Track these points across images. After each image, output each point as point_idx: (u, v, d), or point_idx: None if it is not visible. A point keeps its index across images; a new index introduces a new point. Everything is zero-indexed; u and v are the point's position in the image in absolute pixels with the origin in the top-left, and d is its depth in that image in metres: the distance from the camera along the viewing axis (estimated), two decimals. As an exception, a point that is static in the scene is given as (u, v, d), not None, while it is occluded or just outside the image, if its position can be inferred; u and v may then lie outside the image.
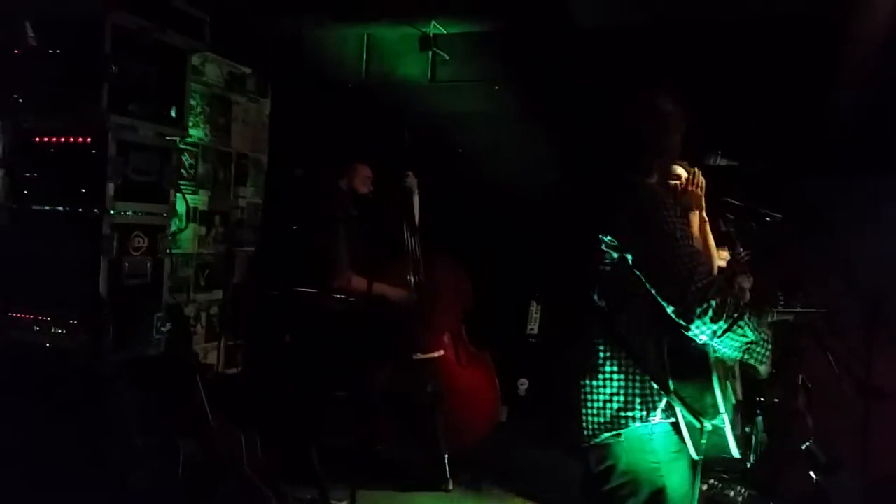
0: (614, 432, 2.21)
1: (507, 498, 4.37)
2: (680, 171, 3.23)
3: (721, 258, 3.20)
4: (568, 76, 5.87)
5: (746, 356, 2.17)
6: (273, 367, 4.55)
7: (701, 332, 2.09)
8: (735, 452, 2.20)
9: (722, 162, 3.45)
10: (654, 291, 2.13)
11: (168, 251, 3.69)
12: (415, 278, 4.29)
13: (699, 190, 2.73)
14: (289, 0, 5.54)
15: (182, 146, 5.47)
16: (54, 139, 3.39)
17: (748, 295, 3.01)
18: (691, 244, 2.20)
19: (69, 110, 3.37)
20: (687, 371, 2.15)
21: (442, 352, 4.38)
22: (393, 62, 6.34)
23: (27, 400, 3.18)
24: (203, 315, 5.82)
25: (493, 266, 5.49)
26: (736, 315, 2.08)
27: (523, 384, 5.84)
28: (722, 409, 2.14)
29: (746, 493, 4.39)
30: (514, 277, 5.58)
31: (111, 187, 3.29)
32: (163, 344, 3.52)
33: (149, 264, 3.50)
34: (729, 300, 2.09)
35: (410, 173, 4.41)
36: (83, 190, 3.35)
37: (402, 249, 4.34)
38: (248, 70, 6.25)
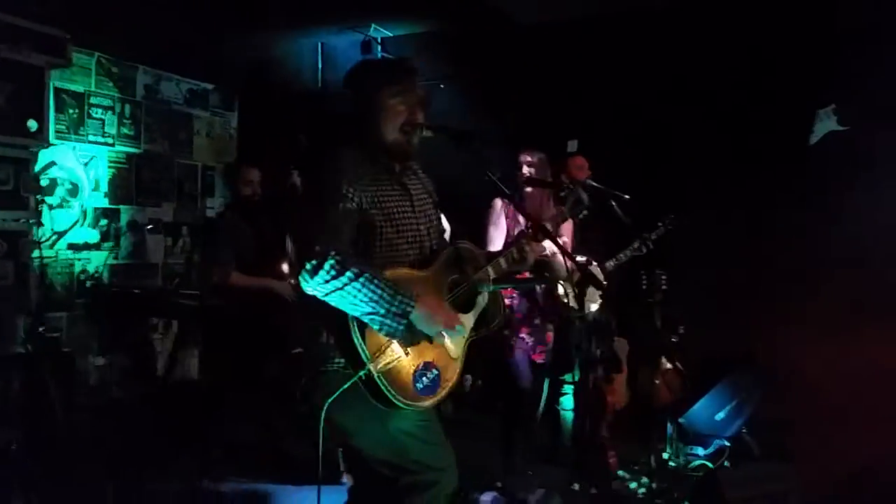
0: None
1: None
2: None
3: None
4: (511, 72, 5.86)
5: (369, 322, 2.23)
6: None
7: (306, 286, 2.21)
8: (395, 401, 2.24)
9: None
10: None
11: (34, 256, 3.90)
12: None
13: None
14: (232, 14, 5.73)
15: (139, 160, 5.86)
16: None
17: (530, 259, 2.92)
18: (337, 217, 2.27)
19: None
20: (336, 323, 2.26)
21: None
22: (345, 69, 6.46)
23: None
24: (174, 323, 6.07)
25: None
26: (336, 282, 2.16)
27: (467, 380, 5.79)
28: (367, 362, 2.22)
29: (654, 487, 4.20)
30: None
31: (-45, 196, 3.55)
32: (30, 342, 3.73)
33: (10, 267, 3.74)
34: (332, 269, 2.15)
35: (295, 173, 4.50)
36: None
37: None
38: (209, 86, 6.54)
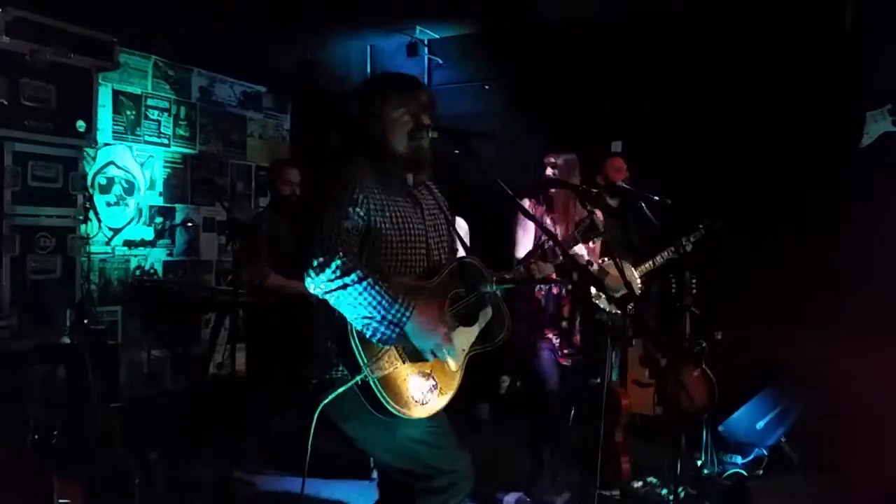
0: None
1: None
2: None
3: None
4: (555, 72, 5.84)
5: (363, 327, 2.25)
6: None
7: (309, 283, 2.25)
8: (389, 409, 2.26)
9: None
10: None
11: (86, 251, 4.08)
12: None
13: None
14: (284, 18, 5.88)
15: (194, 160, 6.08)
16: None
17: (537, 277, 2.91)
18: (346, 220, 2.31)
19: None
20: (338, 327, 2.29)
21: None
22: (391, 70, 6.55)
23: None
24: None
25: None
26: (339, 282, 2.19)
27: (504, 382, 5.79)
28: (364, 367, 2.24)
29: (682, 493, 4.13)
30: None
31: (8, 193, 3.75)
32: (78, 332, 3.89)
33: (58, 262, 3.92)
34: (337, 268, 2.19)
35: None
36: (-9, 197, 3.83)
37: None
38: (262, 89, 6.72)
